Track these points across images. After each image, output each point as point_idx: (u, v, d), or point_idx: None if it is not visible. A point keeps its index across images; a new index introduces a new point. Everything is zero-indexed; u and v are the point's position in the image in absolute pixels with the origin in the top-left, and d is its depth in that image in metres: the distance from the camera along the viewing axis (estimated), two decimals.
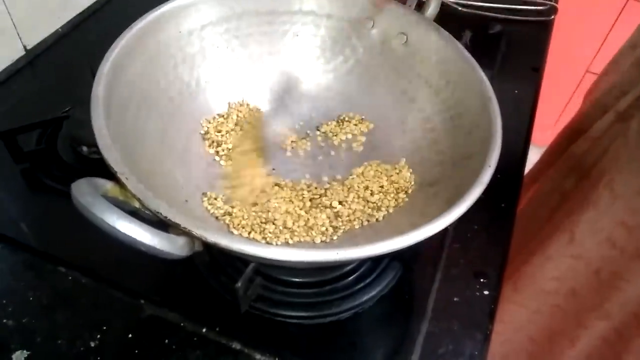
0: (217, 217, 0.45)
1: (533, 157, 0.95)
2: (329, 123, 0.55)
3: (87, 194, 0.29)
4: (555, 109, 1.55)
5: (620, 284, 0.58)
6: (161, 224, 0.32)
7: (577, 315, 0.64)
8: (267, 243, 0.44)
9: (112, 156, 0.33)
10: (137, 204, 0.33)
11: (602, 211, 0.56)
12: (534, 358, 0.73)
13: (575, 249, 0.60)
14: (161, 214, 0.31)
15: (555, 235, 0.61)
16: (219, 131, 0.51)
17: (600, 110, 0.65)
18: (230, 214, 0.45)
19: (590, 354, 0.66)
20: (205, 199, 0.46)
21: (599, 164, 0.59)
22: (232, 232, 0.44)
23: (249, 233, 0.44)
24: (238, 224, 0.44)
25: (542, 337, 0.70)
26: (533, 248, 0.66)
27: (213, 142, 0.50)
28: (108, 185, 0.33)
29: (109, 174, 0.33)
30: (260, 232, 0.44)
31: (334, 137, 0.54)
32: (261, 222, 0.44)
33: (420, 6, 0.53)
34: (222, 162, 0.50)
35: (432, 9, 0.51)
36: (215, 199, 0.46)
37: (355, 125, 0.54)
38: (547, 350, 0.70)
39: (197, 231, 0.31)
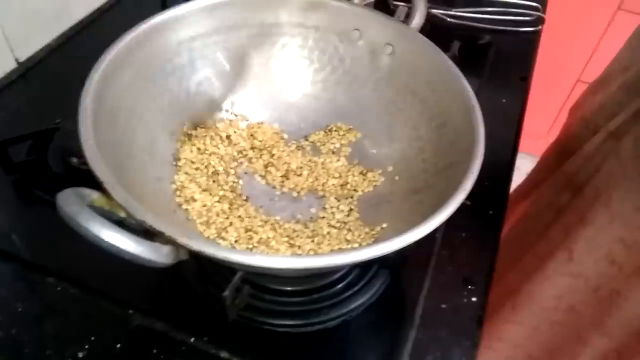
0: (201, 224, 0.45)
1: (525, 166, 0.96)
2: (318, 132, 0.56)
3: (73, 203, 0.29)
4: (548, 118, 1.57)
5: (619, 302, 0.58)
6: (148, 233, 0.32)
7: (577, 331, 0.64)
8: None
9: (98, 165, 0.33)
10: (123, 213, 0.33)
11: (601, 228, 0.56)
12: None
13: (573, 267, 0.60)
14: (146, 222, 0.31)
15: (554, 254, 0.61)
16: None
17: (590, 130, 0.66)
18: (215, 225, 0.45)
19: None
20: (190, 207, 0.46)
21: (592, 181, 0.59)
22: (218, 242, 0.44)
23: (236, 241, 0.44)
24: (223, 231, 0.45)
25: (541, 354, 0.70)
26: (530, 266, 0.66)
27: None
28: (94, 195, 0.33)
29: (97, 184, 0.34)
30: (246, 242, 0.44)
31: (322, 147, 0.54)
32: (246, 230, 0.45)
33: (409, 17, 0.54)
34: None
35: (417, 20, 0.52)
36: (204, 206, 0.46)
37: (343, 134, 0.55)
38: None
39: (181, 239, 0.31)
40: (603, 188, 0.57)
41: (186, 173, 0.48)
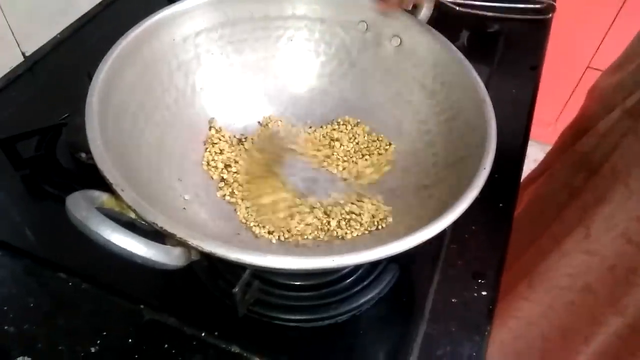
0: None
1: (533, 153, 0.95)
2: (325, 126, 0.55)
3: (82, 207, 0.29)
4: (557, 105, 1.55)
5: (636, 280, 0.57)
6: (158, 234, 0.32)
7: (592, 311, 0.64)
8: (269, 233, 0.45)
9: (107, 168, 0.33)
10: (133, 215, 0.33)
11: (618, 206, 0.56)
12: (546, 355, 0.73)
13: (590, 245, 0.60)
14: (157, 224, 0.31)
15: (570, 232, 0.61)
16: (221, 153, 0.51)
17: (606, 109, 0.65)
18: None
19: (605, 351, 0.66)
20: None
21: (609, 159, 0.59)
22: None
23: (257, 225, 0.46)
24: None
25: (554, 334, 0.70)
26: (546, 245, 0.66)
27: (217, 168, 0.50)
28: (104, 197, 0.33)
29: (106, 184, 0.34)
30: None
31: (331, 141, 0.54)
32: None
33: (415, 7, 0.53)
34: (228, 198, 0.49)
35: (424, 11, 0.51)
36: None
37: (351, 128, 0.54)
38: (560, 347, 0.70)
39: (194, 241, 0.31)
40: (621, 166, 0.56)
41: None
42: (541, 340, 0.72)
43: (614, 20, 1.33)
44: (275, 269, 0.32)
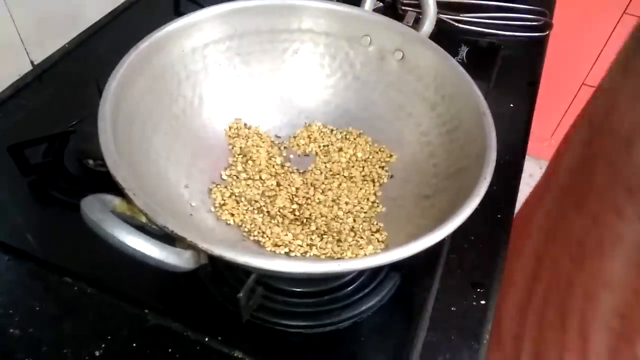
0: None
1: (529, 168, 0.97)
2: (329, 137, 0.56)
3: (97, 210, 0.30)
4: (553, 121, 1.57)
5: None
6: (167, 238, 0.33)
7: None
8: (275, 245, 0.45)
9: (120, 173, 0.34)
10: (144, 219, 0.34)
11: None
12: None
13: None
14: (168, 228, 0.32)
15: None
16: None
17: None
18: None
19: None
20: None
21: None
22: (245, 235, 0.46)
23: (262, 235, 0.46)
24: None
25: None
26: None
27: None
28: (116, 201, 0.34)
29: (115, 188, 0.34)
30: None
31: (333, 153, 0.55)
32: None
33: (418, 22, 0.55)
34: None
35: (427, 26, 0.53)
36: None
37: (355, 139, 0.55)
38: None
39: (203, 244, 0.32)
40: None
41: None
42: None
43: (609, 38, 1.35)
44: (282, 272, 0.33)
